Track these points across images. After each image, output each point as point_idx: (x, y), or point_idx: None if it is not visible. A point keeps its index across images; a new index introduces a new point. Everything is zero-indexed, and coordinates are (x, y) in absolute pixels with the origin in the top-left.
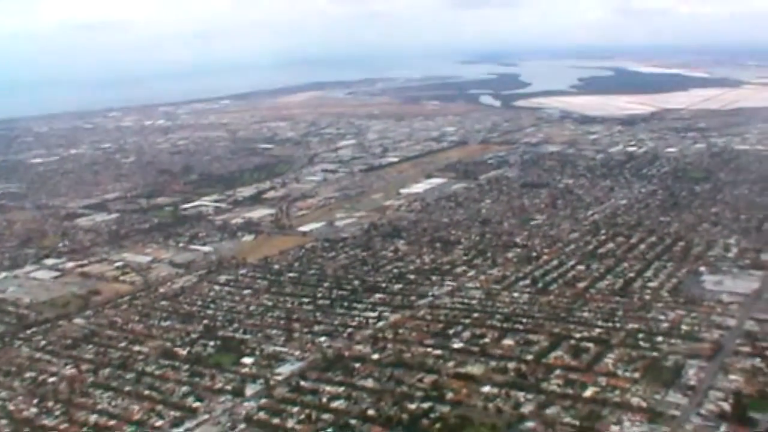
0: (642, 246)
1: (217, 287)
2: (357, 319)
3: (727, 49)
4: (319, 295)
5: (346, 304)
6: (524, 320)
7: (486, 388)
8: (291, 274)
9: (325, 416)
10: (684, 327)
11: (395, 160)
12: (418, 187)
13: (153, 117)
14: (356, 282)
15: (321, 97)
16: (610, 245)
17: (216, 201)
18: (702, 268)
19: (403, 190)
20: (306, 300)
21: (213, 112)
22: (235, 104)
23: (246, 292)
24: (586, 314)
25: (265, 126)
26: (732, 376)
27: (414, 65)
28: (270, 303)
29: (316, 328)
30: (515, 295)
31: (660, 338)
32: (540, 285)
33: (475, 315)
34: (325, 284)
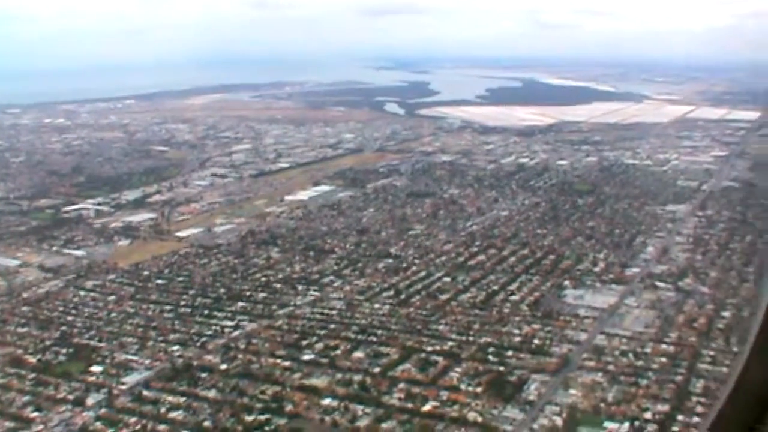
0: (512, 258)
1: (82, 293)
2: (214, 328)
3: (636, 64)
4: (182, 302)
5: (206, 312)
6: (379, 332)
7: (327, 401)
8: (159, 281)
9: (161, 427)
10: (536, 341)
11: (286, 166)
12: (304, 195)
13: (53, 115)
14: (222, 290)
15: (227, 99)
16: (481, 257)
17: (99, 204)
18: (566, 282)
19: (288, 197)
20: (168, 307)
21: (115, 111)
22: (139, 104)
23: (111, 298)
24: (442, 327)
25: (164, 128)
26: (571, 391)
27: (326, 70)
28: (132, 310)
29: (172, 336)
30: (376, 306)
31: (510, 352)
32: (403, 296)
33: (332, 326)
34: (191, 292)
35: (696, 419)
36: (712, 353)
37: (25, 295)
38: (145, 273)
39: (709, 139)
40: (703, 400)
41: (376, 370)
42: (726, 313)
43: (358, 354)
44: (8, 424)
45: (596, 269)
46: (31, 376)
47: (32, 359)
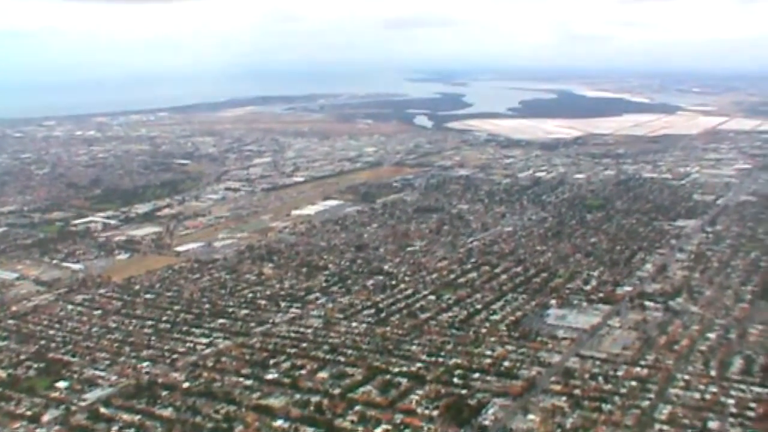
0: (504, 276)
1: (70, 307)
2: (188, 345)
3: (674, 74)
4: (165, 318)
5: (185, 328)
6: (349, 352)
7: (278, 422)
8: (148, 296)
9: None
10: (506, 363)
11: (301, 179)
12: (311, 209)
13: (85, 127)
14: (207, 306)
15: (258, 112)
16: (473, 275)
17: (108, 217)
18: (552, 302)
19: (295, 212)
20: (150, 323)
21: (147, 124)
22: (172, 116)
23: (96, 312)
24: (414, 347)
25: (190, 140)
26: (530, 416)
27: (363, 82)
28: (114, 325)
29: (145, 352)
30: (353, 325)
31: (477, 375)
32: (383, 315)
33: (304, 345)
34: (176, 307)
35: None
36: (687, 377)
37: (14, 308)
38: (136, 287)
39: (735, 152)
40: (666, 428)
41: (337, 391)
42: (712, 335)
43: (323, 374)
44: None
45: (587, 288)
46: None
47: (2, 374)
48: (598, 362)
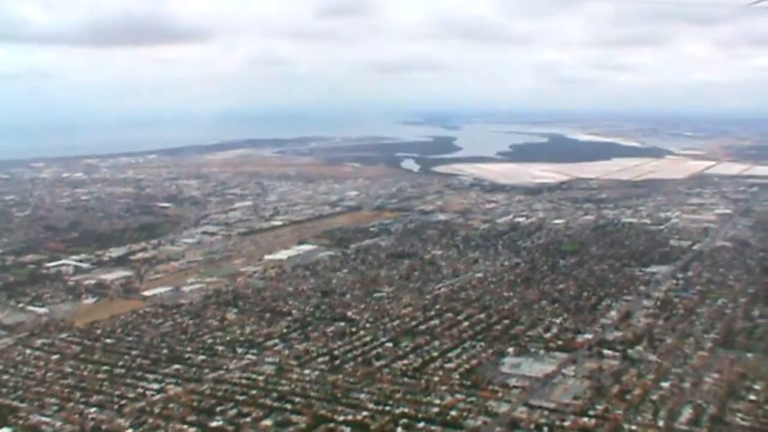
0: (466, 323)
1: (28, 351)
2: (138, 390)
3: (668, 118)
4: (121, 363)
5: (139, 374)
6: (297, 400)
7: None
8: (108, 341)
9: None
10: (453, 413)
11: (279, 223)
12: (284, 254)
13: (73, 169)
14: (165, 351)
15: (247, 155)
16: (435, 321)
17: (81, 260)
18: (510, 349)
19: (268, 256)
20: (105, 368)
21: (135, 166)
22: (161, 159)
23: (54, 357)
24: (363, 396)
25: (175, 183)
26: None
27: (355, 125)
28: (69, 370)
29: (95, 398)
30: (306, 372)
31: (422, 424)
32: (337, 362)
33: (253, 392)
34: (134, 352)
35: None
36: (634, 427)
37: None
38: (98, 332)
39: (718, 196)
40: None
41: None
42: (666, 384)
43: (267, 422)
44: None
45: (547, 335)
46: None
47: None
48: (546, 412)
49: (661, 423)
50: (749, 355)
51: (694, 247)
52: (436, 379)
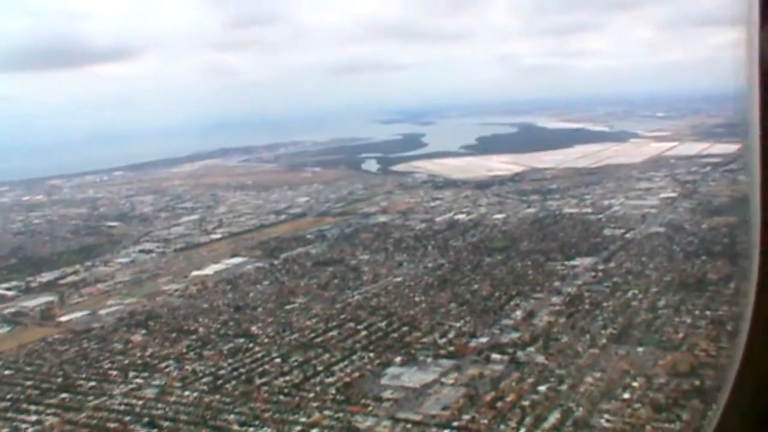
0: (363, 333)
1: None
2: (15, 423)
3: (642, 100)
4: (10, 395)
5: (24, 406)
6: (165, 425)
7: None
8: (7, 372)
9: None
10: (314, 431)
11: (219, 237)
12: (212, 269)
13: (35, 191)
14: (60, 380)
15: (212, 166)
16: (334, 333)
17: (10, 288)
18: (397, 359)
19: (194, 273)
20: None
21: (99, 185)
22: (126, 176)
23: None
24: (231, 417)
25: (131, 200)
26: None
27: (331, 127)
28: None
29: None
30: (186, 394)
31: None
32: (220, 382)
33: (127, 419)
34: (28, 383)
35: None
36: None
37: None
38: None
39: (669, 179)
40: None
41: None
42: (542, 387)
43: None
44: None
45: (442, 341)
46: None
47: None
48: (409, 425)
49: (523, 431)
50: (639, 349)
51: (627, 236)
52: (312, 395)
